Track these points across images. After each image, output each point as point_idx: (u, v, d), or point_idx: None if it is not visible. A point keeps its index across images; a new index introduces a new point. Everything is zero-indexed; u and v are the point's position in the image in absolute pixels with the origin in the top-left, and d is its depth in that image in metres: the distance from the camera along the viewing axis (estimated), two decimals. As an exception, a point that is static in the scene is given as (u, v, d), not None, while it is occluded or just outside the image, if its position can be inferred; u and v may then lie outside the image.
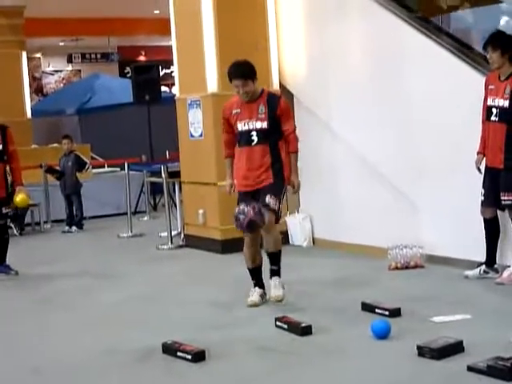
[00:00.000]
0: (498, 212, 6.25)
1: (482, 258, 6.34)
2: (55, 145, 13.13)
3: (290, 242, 8.66)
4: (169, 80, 20.46)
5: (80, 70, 23.66)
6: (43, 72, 23.62)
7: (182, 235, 9.21)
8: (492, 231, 6.27)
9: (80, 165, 11.35)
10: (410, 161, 7.27)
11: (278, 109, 5.88)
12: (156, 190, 12.67)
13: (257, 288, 5.98)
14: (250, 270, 6.03)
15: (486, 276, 6.28)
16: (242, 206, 5.71)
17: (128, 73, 19.61)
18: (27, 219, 11.14)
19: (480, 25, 8.81)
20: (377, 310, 5.38)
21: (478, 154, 6.28)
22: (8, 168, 7.73)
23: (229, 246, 8.00)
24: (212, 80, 8.35)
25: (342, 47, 7.94)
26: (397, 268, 6.95)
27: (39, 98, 22.43)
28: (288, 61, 8.71)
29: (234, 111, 5.96)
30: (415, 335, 4.74)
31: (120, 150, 12.97)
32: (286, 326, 5.16)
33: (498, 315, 5.24)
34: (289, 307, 5.70)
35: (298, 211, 8.72)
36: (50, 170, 11.43)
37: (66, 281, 7.47)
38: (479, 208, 6.25)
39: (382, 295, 5.83)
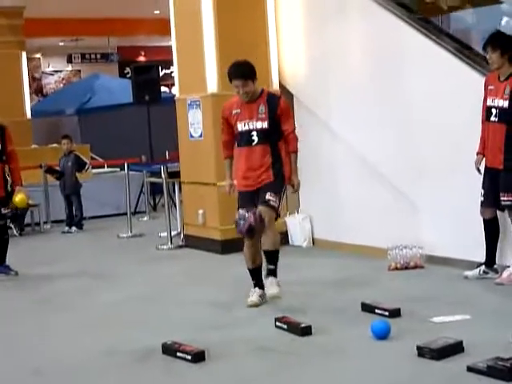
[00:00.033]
0: (498, 212, 6.25)
1: (482, 258, 6.34)
2: (55, 145, 13.12)
3: (290, 242, 8.66)
4: (169, 80, 20.46)
5: (80, 71, 23.66)
6: (43, 72, 23.62)
7: (182, 235, 9.21)
8: (491, 232, 6.27)
9: (80, 165, 11.35)
10: (409, 161, 7.28)
11: (278, 109, 5.89)
12: (156, 190, 12.67)
13: (257, 288, 5.98)
14: (250, 270, 6.03)
15: (485, 276, 6.28)
16: (242, 212, 5.73)
17: (128, 73, 19.63)
18: (27, 219, 11.14)
19: (480, 25, 8.82)
20: (376, 311, 5.38)
21: (477, 154, 6.28)
22: (7, 168, 7.72)
23: (228, 247, 8.00)
24: (212, 80, 8.35)
25: (342, 47, 7.94)
26: (396, 268, 6.95)
27: (39, 98, 22.43)
28: (288, 61, 8.71)
29: (233, 111, 5.97)
30: (415, 335, 4.74)
31: (120, 151, 12.98)
32: (285, 327, 5.16)
33: (497, 315, 5.24)
34: (288, 307, 5.70)
35: (297, 211, 8.72)
36: (49, 170, 11.43)
37: (66, 281, 7.47)
38: (479, 208, 6.25)
39: (381, 295, 5.83)
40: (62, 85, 23.49)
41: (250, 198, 5.89)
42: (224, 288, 6.65)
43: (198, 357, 4.61)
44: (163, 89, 17.29)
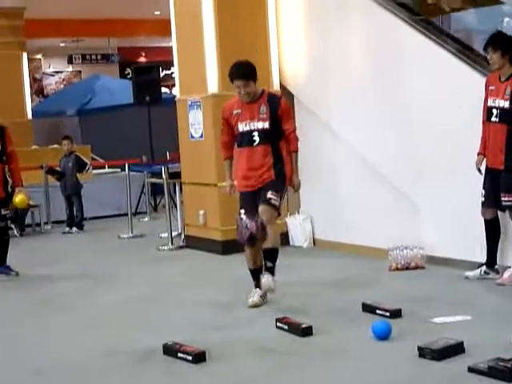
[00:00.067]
0: (499, 213, 6.25)
1: (483, 258, 6.34)
2: (55, 146, 13.12)
3: (291, 242, 8.65)
4: (169, 81, 20.46)
5: (80, 71, 23.67)
6: (44, 73, 23.63)
7: (183, 236, 9.21)
8: (492, 232, 6.27)
9: (80, 166, 11.35)
10: (410, 161, 7.27)
11: (280, 109, 5.90)
12: (156, 190, 12.67)
13: (258, 289, 5.97)
14: (251, 270, 6.03)
15: (486, 277, 6.28)
16: (245, 219, 5.73)
17: (128, 74, 19.63)
18: (28, 220, 11.15)
19: (480, 26, 8.81)
20: (377, 311, 5.38)
21: (478, 154, 6.27)
22: (7, 169, 7.71)
23: (229, 247, 7.99)
24: (212, 81, 8.34)
25: (342, 47, 7.94)
26: (397, 269, 6.95)
27: (40, 99, 22.44)
28: (288, 61, 8.71)
29: (234, 112, 5.97)
30: (416, 336, 4.74)
31: (120, 151, 12.98)
32: (286, 327, 5.15)
33: (498, 316, 5.24)
34: (289, 308, 5.70)
35: (298, 212, 8.72)
36: (50, 170, 11.43)
37: (67, 281, 7.47)
38: (480, 209, 6.25)
39: (382, 296, 5.82)
40: (62, 85, 23.51)
41: (251, 199, 5.90)
42: (225, 288, 6.65)
43: (199, 357, 4.61)
44: (164, 89, 17.28)
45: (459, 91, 6.67)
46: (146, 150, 12.95)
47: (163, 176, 9.33)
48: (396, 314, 5.30)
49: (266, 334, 5.17)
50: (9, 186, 7.71)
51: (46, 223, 11.51)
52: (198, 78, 8.51)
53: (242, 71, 5.87)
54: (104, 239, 10.33)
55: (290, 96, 8.45)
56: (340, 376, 4.33)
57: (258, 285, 6.00)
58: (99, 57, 22.97)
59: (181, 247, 9.04)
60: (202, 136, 8.61)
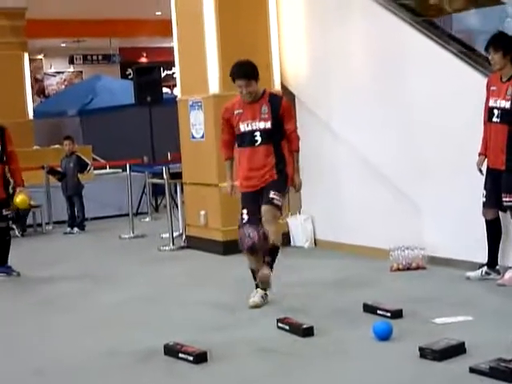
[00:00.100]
0: (500, 213, 6.24)
1: (484, 259, 6.33)
2: (57, 146, 13.12)
3: (292, 243, 8.65)
4: (170, 81, 20.48)
5: (82, 72, 23.69)
6: (45, 73, 23.66)
7: (184, 236, 9.20)
8: (494, 232, 6.27)
9: (81, 166, 11.35)
10: (412, 162, 7.27)
11: (281, 108, 5.91)
12: (158, 191, 12.67)
13: (259, 289, 5.97)
14: (252, 270, 6.03)
15: (487, 277, 6.27)
16: (248, 228, 5.72)
17: (129, 74, 19.61)
18: (29, 220, 11.14)
19: (482, 26, 8.79)
20: (378, 312, 5.37)
21: (479, 155, 6.27)
22: (7, 169, 7.71)
23: (230, 247, 7.97)
24: (213, 81, 8.34)
25: (343, 48, 7.94)
26: (398, 269, 6.94)
27: (41, 99, 22.47)
28: (289, 61, 8.71)
29: (235, 112, 5.97)
30: (417, 337, 4.73)
31: (122, 152, 12.97)
32: (287, 328, 5.15)
33: (499, 316, 5.23)
34: (290, 308, 5.70)
35: (299, 212, 8.71)
36: (51, 171, 11.43)
37: (68, 282, 7.47)
38: (481, 209, 6.25)
39: (383, 296, 5.82)
40: (63, 86, 23.53)
41: (252, 199, 5.89)
42: (226, 289, 6.65)
43: (200, 358, 4.61)
44: (165, 90, 17.27)
45: (461, 92, 6.67)
46: (147, 151, 12.94)
47: (164, 176, 9.33)
48: (397, 314, 5.30)
49: (267, 334, 5.17)
50: (10, 187, 7.72)
51: (47, 223, 11.50)
52: (199, 78, 8.51)
53: (244, 71, 5.87)
54: (105, 239, 10.33)
55: (291, 96, 8.44)
56: (341, 376, 4.32)
57: (258, 285, 6.00)
58: (100, 57, 22.99)
59: (182, 247, 9.04)
60: (203, 136, 8.61)
